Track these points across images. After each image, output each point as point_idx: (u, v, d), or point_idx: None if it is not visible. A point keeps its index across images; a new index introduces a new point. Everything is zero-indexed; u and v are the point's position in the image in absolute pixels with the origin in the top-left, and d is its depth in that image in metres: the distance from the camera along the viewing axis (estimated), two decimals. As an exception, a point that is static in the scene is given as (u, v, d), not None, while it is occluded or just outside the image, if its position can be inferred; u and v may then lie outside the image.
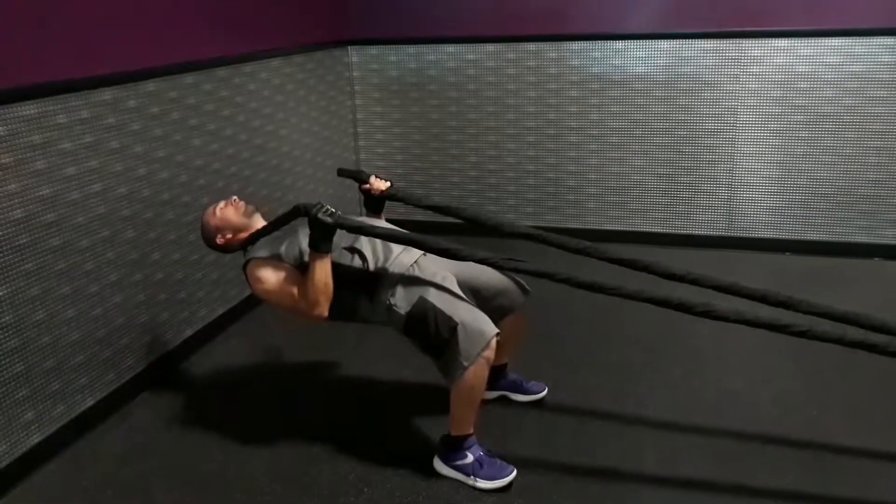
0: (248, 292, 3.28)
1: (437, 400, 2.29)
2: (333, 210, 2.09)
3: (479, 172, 4.30)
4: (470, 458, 2.14)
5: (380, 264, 2.19)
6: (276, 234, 2.30)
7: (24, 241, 2.23)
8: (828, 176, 3.78)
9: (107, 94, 2.51)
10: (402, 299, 2.13)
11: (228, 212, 2.32)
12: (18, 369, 2.24)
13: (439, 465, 2.20)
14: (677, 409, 2.50)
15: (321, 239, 2.08)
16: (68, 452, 2.40)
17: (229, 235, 2.31)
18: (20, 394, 2.26)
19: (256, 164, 3.41)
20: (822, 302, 2.00)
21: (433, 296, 2.10)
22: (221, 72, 3.12)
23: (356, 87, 4.34)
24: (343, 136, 4.28)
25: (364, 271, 2.19)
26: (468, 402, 2.10)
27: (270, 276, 2.17)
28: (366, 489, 2.15)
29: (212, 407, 2.70)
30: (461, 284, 2.21)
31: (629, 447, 2.32)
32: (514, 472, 2.13)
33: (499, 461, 2.16)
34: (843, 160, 3.73)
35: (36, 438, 2.32)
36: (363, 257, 2.20)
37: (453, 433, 2.16)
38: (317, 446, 2.36)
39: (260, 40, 3.44)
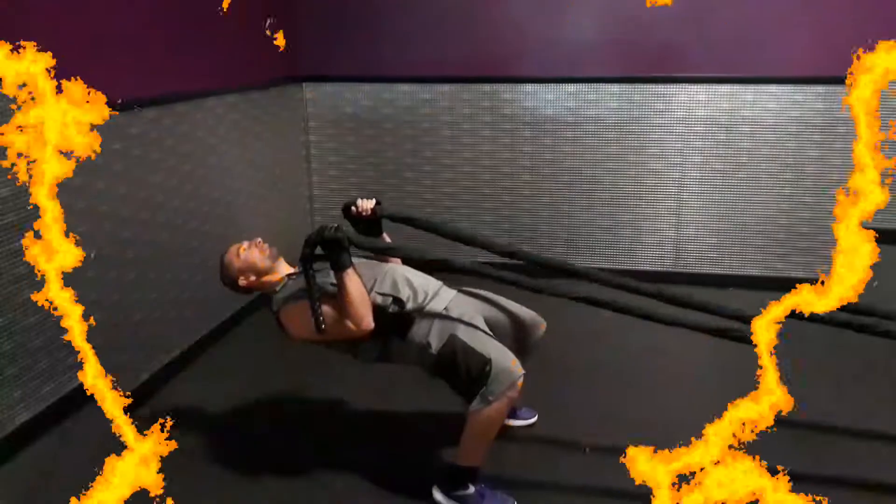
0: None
1: (440, 426, 2.30)
2: (337, 224, 2.06)
3: (435, 209, 4.32)
4: (471, 489, 2.13)
5: (413, 306, 2.18)
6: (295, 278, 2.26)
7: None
8: (769, 214, 3.99)
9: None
10: (434, 338, 2.12)
11: (253, 254, 2.25)
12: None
13: (438, 496, 2.16)
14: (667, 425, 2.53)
15: (339, 255, 2.04)
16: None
17: (253, 278, 2.25)
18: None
19: (213, 199, 3.33)
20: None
21: (462, 332, 2.11)
22: (181, 107, 3.06)
23: (311, 124, 4.31)
24: (297, 171, 4.23)
25: (398, 314, 2.17)
26: (483, 435, 2.09)
27: (307, 319, 2.08)
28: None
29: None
30: (489, 324, 2.23)
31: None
32: (515, 506, 2.12)
33: (500, 494, 2.15)
34: (783, 199, 3.95)
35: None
36: (398, 302, 2.18)
37: (461, 463, 2.14)
38: (314, 471, 2.35)
39: (216, 77, 3.39)
